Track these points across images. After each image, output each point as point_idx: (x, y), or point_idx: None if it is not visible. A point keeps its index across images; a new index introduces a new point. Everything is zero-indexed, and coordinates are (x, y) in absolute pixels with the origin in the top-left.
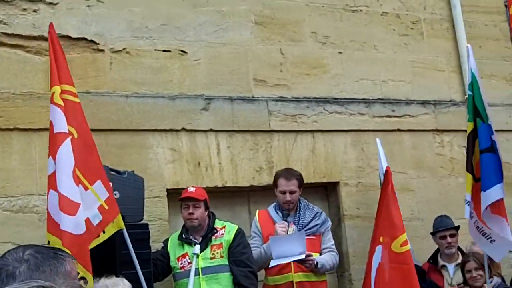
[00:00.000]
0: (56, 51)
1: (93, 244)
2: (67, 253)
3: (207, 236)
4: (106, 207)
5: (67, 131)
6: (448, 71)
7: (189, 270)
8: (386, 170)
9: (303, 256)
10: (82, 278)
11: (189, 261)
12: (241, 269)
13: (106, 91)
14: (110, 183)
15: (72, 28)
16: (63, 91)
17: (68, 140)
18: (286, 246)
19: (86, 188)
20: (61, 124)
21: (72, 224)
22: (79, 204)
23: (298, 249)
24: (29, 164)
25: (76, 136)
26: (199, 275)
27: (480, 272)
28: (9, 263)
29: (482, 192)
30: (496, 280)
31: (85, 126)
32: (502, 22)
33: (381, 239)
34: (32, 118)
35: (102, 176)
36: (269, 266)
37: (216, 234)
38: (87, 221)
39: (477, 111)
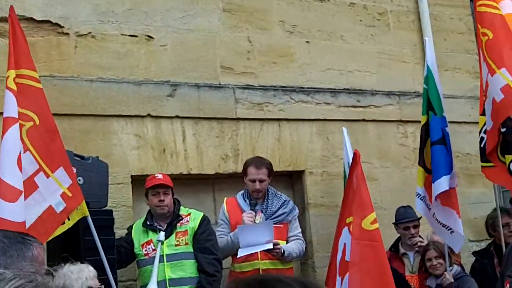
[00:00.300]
0: (16, 34)
1: (58, 231)
2: (34, 238)
3: (172, 223)
4: (70, 194)
5: (16, 116)
6: (413, 62)
7: (154, 257)
8: (355, 153)
9: (270, 246)
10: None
11: (153, 248)
12: (206, 256)
13: (70, 75)
14: (74, 170)
15: (37, 10)
16: (19, 76)
17: (16, 125)
18: (254, 235)
19: (47, 176)
20: (10, 109)
21: (12, 212)
22: (22, 191)
23: (265, 238)
24: None
25: (37, 122)
26: (163, 262)
27: (440, 260)
28: None
29: (433, 184)
30: (456, 268)
31: (47, 112)
32: (467, 16)
33: (348, 220)
34: None
35: (65, 163)
36: (237, 257)
37: (181, 221)
38: (50, 208)
39: (430, 105)
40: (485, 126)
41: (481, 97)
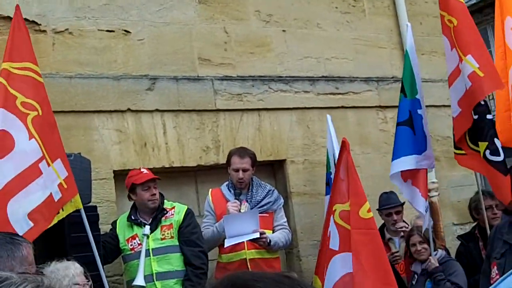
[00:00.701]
0: (20, 30)
1: (54, 221)
2: (24, 238)
3: (157, 217)
4: (65, 186)
5: None
6: (390, 48)
7: (140, 252)
8: (343, 141)
9: (257, 235)
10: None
11: (139, 242)
12: (192, 249)
13: (49, 72)
14: None
15: (13, 8)
16: (22, 68)
17: None
18: (240, 225)
19: (48, 164)
20: None
21: None
22: None
23: (251, 228)
24: None
25: (40, 113)
26: (150, 256)
27: (425, 245)
28: None
29: (391, 163)
30: (440, 252)
31: (47, 106)
32: None
33: (334, 208)
34: None
35: (62, 155)
36: (225, 247)
37: (166, 215)
38: (50, 196)
39: (402, 87)
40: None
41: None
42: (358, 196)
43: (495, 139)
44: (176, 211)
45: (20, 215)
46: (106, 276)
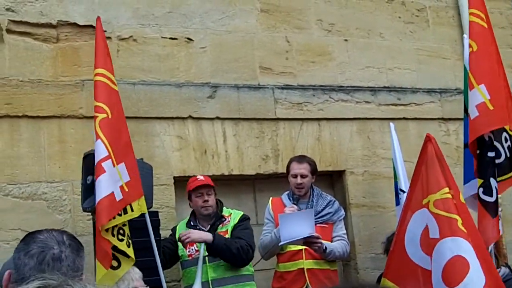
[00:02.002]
0: (99, 38)
1: (121, 220)
2: None
3: (214, 224)
4: (126, 189)
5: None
6: (454, 59)
7: (197, 258)
8: (427, 135)
9: (312, 232)
10: None
11: (196, 249)
12: (239, 240)
13: None
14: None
15: (79, 15)
16: (98, 74)
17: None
18: (295, 225)
19: (114, 165)
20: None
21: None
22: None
23: (306, 227)
24: (38, 152)
25: (110, 116)
26: (206, 262)
27: None
28: (52, 246)
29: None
30: (503, 270)
31: (119, 111)
32: (507, 9)
33: (425, 201)
34: (40, 106)
35: (127, 160)
36: (280, 244)
37: (223, 222)
38: (112, 194)
39: (464, 107)
40: None
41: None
42: (453, 183)
43: (491, 178)
44: (232, 218)
45: None
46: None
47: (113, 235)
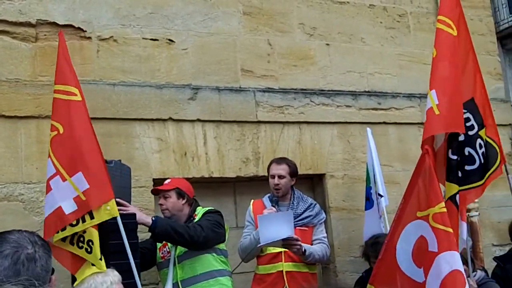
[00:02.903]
0: (59, 52)
1: (78, 229)
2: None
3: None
4: (84, 198)
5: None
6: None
7: (169, 260)
8: (426, 148)
9: (291, 233)
10: None
11: (168, 250)
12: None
13: (92, 79)
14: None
15: (59, 15)
16: (55, 91)
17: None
18: (274, 226)
19: (64, 179)
20: None
21: None
22: None
23: (285, 228)
24: (15, 152)
25: (61, 131)
26: (176, 263)
27: (464, 266)
28: (26, 246)
29: None
30: (479, 273)
31: (74, 121)
32: (487, 16)
33: (421, 214)
34: (18, 106)
35: (86, 168)
36: (259, 245)
37: (192, 221)
38: (59, 209)
39: None
40: None
41: None
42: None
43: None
44: (198, 214)
45: None
46: (142, 285)
47: (72, 244)
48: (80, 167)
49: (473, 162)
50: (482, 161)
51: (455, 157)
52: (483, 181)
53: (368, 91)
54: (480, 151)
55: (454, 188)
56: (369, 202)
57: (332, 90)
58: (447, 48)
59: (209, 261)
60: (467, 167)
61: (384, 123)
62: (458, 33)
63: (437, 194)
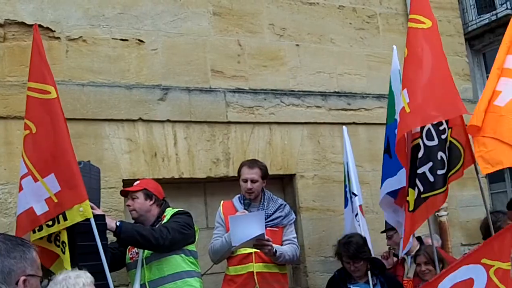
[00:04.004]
0: (33, 49)
1: (53, 229)
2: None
3: (153, 225)
4: (56, 200)
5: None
6: (403, 65)
7: (137, 261)
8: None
9: (262, 232)
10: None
11: (137, 251)
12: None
13: (61, 79)
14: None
15: (28, 14)
16: (28, 88)
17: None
18: (245, 226)
19: (36, 180)
20: None
21: None
22: None
23: (256, 229)
24: None
25: (34, 131)
26: (143, 265)
27: (429, 266)
28: None
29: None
30: None
31: (48, 121)
32: (455, 18)
33: (490, 262)
34: None
35: (58, 171)
36: (232, 245)
37: (160, 223)
38: (30, 209)
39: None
40: None
41: None
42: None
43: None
44: (166, 216)
45: None
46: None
47: (50, 241)
48: (52, 168)
49: (443, 167)
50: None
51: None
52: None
53: (338, 92)
54: (446, 155)
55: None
56: (347, 201)
57: (302, 91)
58: (418, 46)
59: (178, 262)
60: (439, 172)
61: (354, 123)
62: (433, 25)
63: (510, 251)
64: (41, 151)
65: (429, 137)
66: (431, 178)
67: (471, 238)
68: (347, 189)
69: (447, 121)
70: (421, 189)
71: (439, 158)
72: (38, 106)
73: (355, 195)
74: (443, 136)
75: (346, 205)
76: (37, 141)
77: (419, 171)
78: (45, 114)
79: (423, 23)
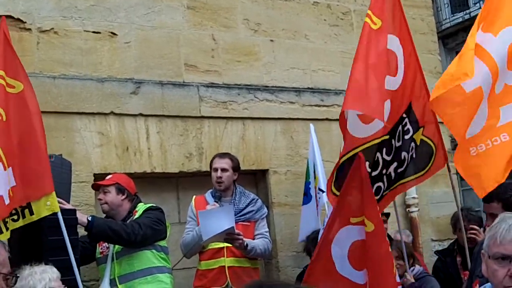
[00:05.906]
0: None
1: (18, 224)
2: None
3: (125, 220)
4: (11, 194)
5: None
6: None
7: (107, 255)
8: (359, 156)
9: (232, 225)
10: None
11: (107, 246)
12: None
13: (32, 71)
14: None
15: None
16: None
17: None
18: (215, 221)
19: (4, 168)
20: None
21: None
22: None
23: (226, 223)
24: None
25: (4, 119)
26: (114, 259)
27: (400, 261)
28: None
29: None
30: (417, 268)
31: (17, 114)
32: (428, 16)
33: (355, 220)
34: None
35: (16, 164)
36: (202, 240)
37: (131, 218)
38: (1, 198)
39: None
40: None
41: None
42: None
43: None
44: (138, 211)
45: None
46: (83, 281)
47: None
48: (13, 162)
49: (403, 165)
50: (408, 162)
51: (389, 158)
52: (406, 179)
53: (312, 88)
54: (409, 154)
55: None
56: (306, 197)
57: (275, 86)
58: (362, 46)
59: (148, 258)
60: (399, 170)
61: (327, 119)
62: (399, 34)
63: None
64: (8, 141)
65: (398, 138)
66: (392, 176)
67: (441, 233)
68: (310, 186)
69: (416, 121)
70: (383, 187)
71: (402, 158)
72: (4, 96)
73: (323, 191)
74: (406, 137)
75: (304, 202)
76: (5, 129)
77: (387, 171)
78: (9, 105)
79: (375, 23)
